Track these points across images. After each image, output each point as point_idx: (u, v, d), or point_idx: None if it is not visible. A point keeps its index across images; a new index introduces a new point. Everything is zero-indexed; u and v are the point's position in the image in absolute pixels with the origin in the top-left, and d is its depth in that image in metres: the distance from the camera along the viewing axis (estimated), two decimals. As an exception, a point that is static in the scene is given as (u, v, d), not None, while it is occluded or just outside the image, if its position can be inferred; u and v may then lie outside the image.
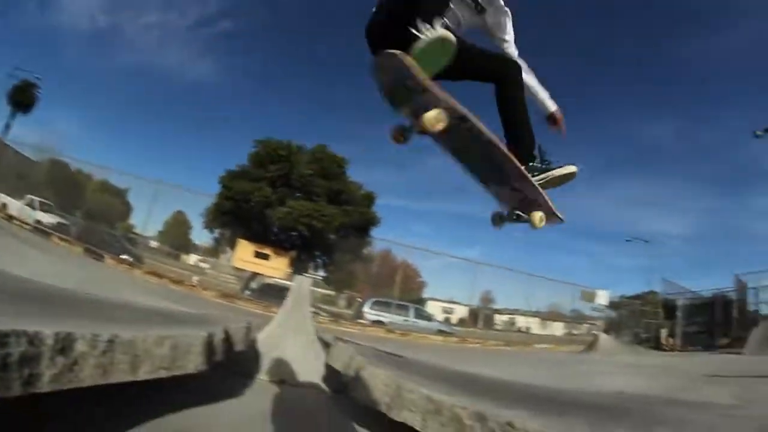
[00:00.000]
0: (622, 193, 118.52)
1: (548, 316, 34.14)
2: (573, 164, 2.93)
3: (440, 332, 21.30)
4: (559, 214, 3.15)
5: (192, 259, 39.73)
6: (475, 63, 2.82)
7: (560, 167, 2.89)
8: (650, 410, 3.62)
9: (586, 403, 4.19)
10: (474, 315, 32.94)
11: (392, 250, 27.20)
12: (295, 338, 4.89)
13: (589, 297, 27.28)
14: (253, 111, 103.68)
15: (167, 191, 24.41)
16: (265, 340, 4.78)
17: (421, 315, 23.07)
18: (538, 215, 2.95)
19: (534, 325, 36.57)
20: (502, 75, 2.96)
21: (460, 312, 33.09)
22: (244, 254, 21.73)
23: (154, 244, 34.65)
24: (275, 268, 21.68)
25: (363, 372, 3.62)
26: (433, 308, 33.15)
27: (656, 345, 26.74)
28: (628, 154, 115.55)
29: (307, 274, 21.79)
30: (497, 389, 4.03)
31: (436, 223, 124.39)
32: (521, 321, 33.48)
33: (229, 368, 4.31)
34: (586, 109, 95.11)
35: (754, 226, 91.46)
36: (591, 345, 20.09)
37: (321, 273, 25.58)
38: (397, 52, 2.34)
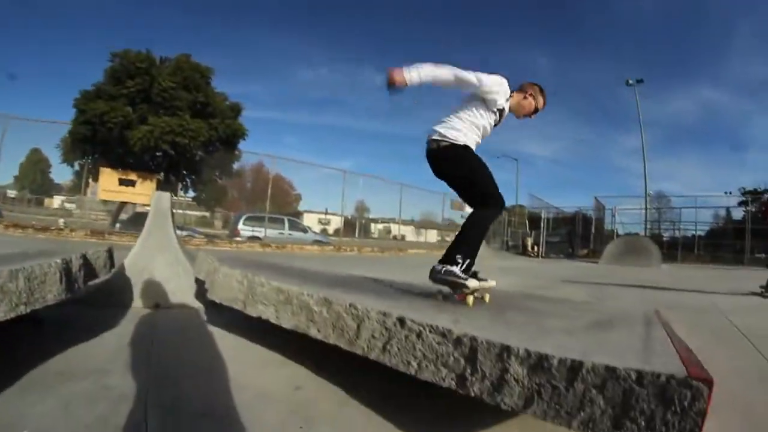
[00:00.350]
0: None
1: (422, 224, 35.70)
2: (494, 281, 3.67)
3: (316, 242, 21.82)
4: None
5: (56, 201, 35.96)
6: (475, 190, 3.71)
7: (485, 280, 3.53)
8: (508, 301, 3.97)
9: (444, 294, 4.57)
10: (350, 225, 33.73)
11: (265, 163, 26.29)
12: (161, 258, 4.77)
13: (459, 206, 28.58)
14: (110, 16, 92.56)
15: (18, 126, 19.78)
16: (132, 265, 4.65)
17: (296, 227, 23.06)
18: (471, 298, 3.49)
19: (409, 233, 38.19)
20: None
21: (336, 222, 33.67)
22: (108, 184, 19.81)
23: (12, 193, 30.99)
24: (143, 194, 20.00)
25: (218, 273, 3.71)
26: (310, 220, 33.37)
27: (523, 252, 29.72)
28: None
29: (177, 196, 21.07)
30: (359, 285, 4.18)
31: (309, 135, 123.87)
32: (396, 229, 34.62)
33: (103, 300, 4.29)
34: (470, 36, 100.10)
35: (615, 159, 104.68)
36: (461, 250, 21.64)
37: (191, 193, 24.43)
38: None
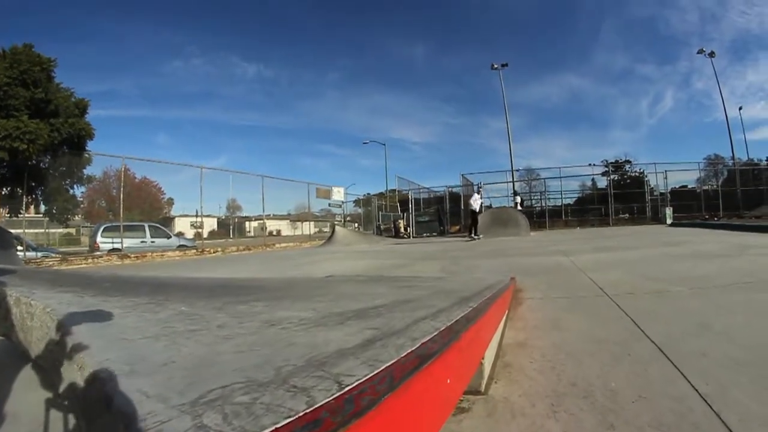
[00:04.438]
0: (370, 103, 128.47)
1: (298, 217, 35.67)
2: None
3: (181, 247, 21.08)
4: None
5: None
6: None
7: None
8: (339, 286, 3.94)
9: (278, 285, 4.50)
10: (224, 225, 33.03)
11: (130, 167, 24.44)
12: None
13: (324, 194, 28.74)
14: None
15: None
16: None
17: (159, 234, 21.75)
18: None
19: (284, 228, 37.90)
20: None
21: (210, 224, 32.74)
22: (-54, 212, 16.96)
23: None
24: (-16, 215, 17.54)
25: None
26: (182, 225, 32.16)
27: (395, 234, 30.54)
28: (378, 68, 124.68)
29: (27, 213, 19.16)
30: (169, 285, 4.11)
31: (180, 134, 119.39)
32: (272, 225, 34.26)
33: None
34: (342, 24, 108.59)
35: (487, 141, 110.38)
36: (329, 238, 21.96)
37: (42, 208, 21.70)
38: None
